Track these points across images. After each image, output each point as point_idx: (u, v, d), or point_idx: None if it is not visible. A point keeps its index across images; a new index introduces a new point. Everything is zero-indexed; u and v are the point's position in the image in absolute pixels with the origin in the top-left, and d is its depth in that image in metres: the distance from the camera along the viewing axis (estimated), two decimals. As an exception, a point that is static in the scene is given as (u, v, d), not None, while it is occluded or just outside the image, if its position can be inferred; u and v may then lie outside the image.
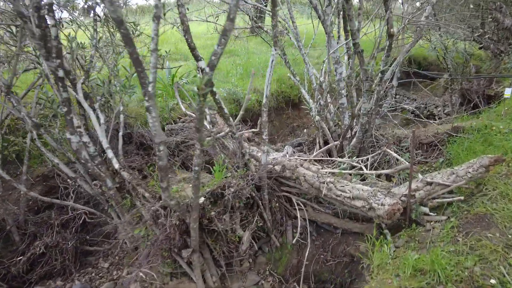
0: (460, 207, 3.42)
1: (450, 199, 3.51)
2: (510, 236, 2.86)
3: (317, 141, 5.91)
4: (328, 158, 5.02)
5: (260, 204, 4.37)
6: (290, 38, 6.34)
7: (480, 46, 6.03)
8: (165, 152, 2.84)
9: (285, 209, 4.51)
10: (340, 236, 4.46)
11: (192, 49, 3.79)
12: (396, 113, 8.26)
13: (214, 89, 3.36)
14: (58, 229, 4.53)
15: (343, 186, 3.79)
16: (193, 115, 5.97)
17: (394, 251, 3.25)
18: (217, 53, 2.20)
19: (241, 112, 3.90)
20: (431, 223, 3.43)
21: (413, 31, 5.71)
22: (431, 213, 3.50)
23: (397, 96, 11.03)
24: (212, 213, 3.48)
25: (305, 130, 6.73)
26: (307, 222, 4.46)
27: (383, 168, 5.09)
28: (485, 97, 8.45)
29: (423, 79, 10.32)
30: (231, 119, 4.06)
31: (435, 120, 8.71)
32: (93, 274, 4.97)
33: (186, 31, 3.74)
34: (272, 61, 3.91)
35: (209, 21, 7.54)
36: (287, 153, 5.57)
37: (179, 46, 11.71)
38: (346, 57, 5.58)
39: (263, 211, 4.42)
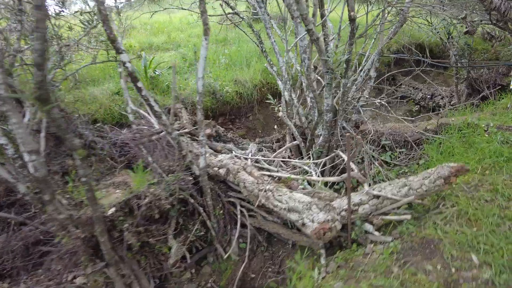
0: (409, 227, 2.86)
1: (396, 217, 2.96)
2: (453, 270, 2.30)
3: (286, 139, 5.40)
4: (287, 159, 4.52)
5: (202, 211, 3.98)
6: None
7: (466, 30, 5.21)
8: (39, 162, 2.49)
9: (231, 216, 4.09)
10: (291, 248, 4.01)
11: (112, 41, 3.38)
12: (390, 106, 7.54)
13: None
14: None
15: (281, 196, 3.32)
16: (146, 113, 5.60)
17: (323, 278, 2.76)
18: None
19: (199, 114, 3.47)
20: (374, 245, 2.91)
21: (396, 15, 5.00)
22: (375, 233, 2.97)
23: (402, 86, 10.18)
24: (126, 225, 3.11)
25: (275, 127, 6.21)
26: (254, 230, 4.03)
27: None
28: (496, 87, 7.53)
29: (432, 67, 9.44)
30: (164, 117, 3.65)
31: (441, 111, 7.93)
32: (42, 277, 4.81)
33: (104, 21, 3.33)
34: (203, 53, 3.45)
35: (184, 9, 7.08)
36: (250, 152, 5.12)
37: (173, 35, 11.35)
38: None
39: (206, 219, 4.03)
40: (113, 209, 3.05)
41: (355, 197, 3.06)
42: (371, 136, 5.40)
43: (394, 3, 4.66)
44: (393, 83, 10.30)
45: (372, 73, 5.04)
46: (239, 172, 3.76)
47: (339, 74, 4.25)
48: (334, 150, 4.83)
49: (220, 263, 4.15)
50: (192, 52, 9.43)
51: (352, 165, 3.44)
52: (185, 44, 10.29)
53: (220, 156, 4.15)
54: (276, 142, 5.81)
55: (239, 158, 4.19)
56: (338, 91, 4.94)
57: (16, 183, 3.41)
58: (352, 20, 3.73)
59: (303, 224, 2.97)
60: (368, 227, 2.99)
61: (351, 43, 3.95)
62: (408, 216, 2.86)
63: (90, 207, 2.75)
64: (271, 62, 6.00)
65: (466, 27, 5.04)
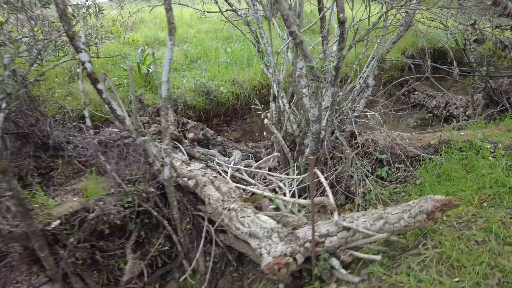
0: (379, 269, 2.46)
1: (366, 255, 2.56)
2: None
3: (275, 147, 5.02)
4: (265, 173, 4.15)
5: (167, 224, 3.69)
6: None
7: (474, 38, 4.64)
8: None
9: (199, 231, 3.78)
10: (261, 271, 3.66)
11: (71, 38, 3.11)
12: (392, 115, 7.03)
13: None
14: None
15: (244, 218, 2.97)
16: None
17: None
18: None
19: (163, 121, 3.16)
20: (338, 285, 2.52)
21: (400, 18, 4.51)
22: (342, 270, 2.58)
23: (416, 93, 9.57)
24: (71, 239, 2.85)
25: (265, 133, 5.83)
26: (224, 248, 3.71)
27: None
28: (517, 99, 6.87)
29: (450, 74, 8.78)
30: (127, 121, 3.36)
31: (454, 122, 7.34)
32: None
33: (61, 16, 3.06)
34: (168, 55, 3.13)
35: (182, 4, 6.77)
36: (233, 160, 4.79)
37: (181, 30, 11.13)
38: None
39: (172, 233, 3.73)
40: (57, 222, 2.80)
41: (322, 227, 2.67)
42: (367, 149, 4.97)
43: (397, 4, 4.18)
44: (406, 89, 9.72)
45: (371, 81, 4.58)
46: (206, 186, 3.43)
47: (328, 81, 3.83)
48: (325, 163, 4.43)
49: (186, 280, 3.86)
50: (195, 48, 9.17)
51: (327, 187, 3.04)
52: (191, 40, 10.03)
53: (192, 166, 3.84)
54: (265, 150, 5.44)
55: (217, 167, 3.86)
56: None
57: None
58: (341, 22, 3.31)
59: (260, 255, 2.62)
60: (335, 262, 2.60)
61: (340, 48, 3.53)
62: (378, 257, 2.45)
63: (23, 221, 2.49)
64: (268, 64, 5.62)
65: (475, 35, 4.48)
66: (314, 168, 2.47)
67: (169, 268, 3.77)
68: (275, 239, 2.62)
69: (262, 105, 5.01)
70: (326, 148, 4.29)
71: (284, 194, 3.54)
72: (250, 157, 5.40)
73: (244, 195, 3.73)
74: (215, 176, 3.61)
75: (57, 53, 4.79)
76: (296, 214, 3.08)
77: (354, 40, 4.41)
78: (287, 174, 4.73)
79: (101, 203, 3.02)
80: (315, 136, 4.27)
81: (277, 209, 3.26)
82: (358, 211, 4.16)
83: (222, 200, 3.21)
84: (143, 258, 3.51)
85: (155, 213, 3.55)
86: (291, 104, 4.96)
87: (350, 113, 4.68)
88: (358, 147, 4.76)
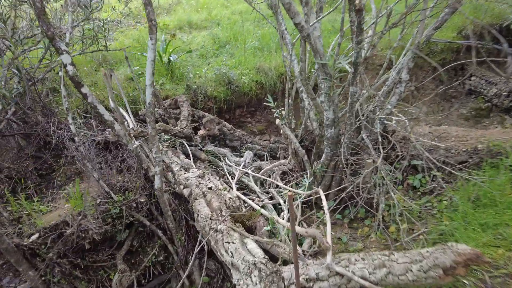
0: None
1: (358, 313, 2.08)
2: None
3: (290, 148, 4.55)
4: (274, 181, 3.73)
5: (161, 234, 3.49)
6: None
7: None
8: None
9: (195, 243, 3.52)
10: (259, 292, 3.33)
11: (51, 39, 2.88)
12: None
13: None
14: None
15: (229, 243, 2.62)
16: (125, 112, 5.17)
17: None
18: None
19: (149, 128, 2.88)
20: None
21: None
22: (331, 323, 2.14)
23: (472, 78, 8.28)
24: (50, 254, 2.74)
25: (281, 131, 5.32)
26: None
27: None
28: None
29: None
30: (116, 126, 3.13)
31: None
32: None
33: (39, 16, 2.83)
34: (150, 56, 2.78)
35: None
36: (244, 161, 4.43)
37: (215, 12, 10.72)
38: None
39: (168, 243, 3.53)
40: (35, 236, 2.69)
41: (312, 269, 2.23)
42: (400, 152, 4.29)
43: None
44: (461, 74, 8.48)
45: (404, 76, 3.84)
46: (197, 199, 3.12)
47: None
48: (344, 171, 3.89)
49: (186, 290, 3.68)
50: (225, 32, 8.74)
51: (328, 221, 2.56)
52: (224, 22, 9.60)
53: (190, 172, 3.54)
54: (283, 150, 4.99)
55: (226, 167, 3.53)
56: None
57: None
58: (358, 11, 2.69)
59: (238, 294, 2.28)
60: (324, 313, 2.17)
61: (358, 42, 2.90)
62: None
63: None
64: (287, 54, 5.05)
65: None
66: (296, 203, 2.02)
67: (164, 279, 3.59)
68: (254, 279, 2.25)
69: (275, 103, 4.51)
70: (344, 154, 3.72)
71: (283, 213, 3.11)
72: (266, 156, 4.98)
73: (244, 207, 3.38)
74: (210, 188, 3.28)
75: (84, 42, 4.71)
76: (289, 244, 2.65)
77: (386, 27, 3.71)
78: (302, 177, 4.26)
79: (80, 218, 2.85)
80: (330, 141, 3.72)
81: (271, 231, 2.86)
82: (378, 228, 3.61)
83: (210, 219, 2.89)
84: (136, 269, 3.36)
85: (148, 223, 3.34)
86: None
87: (378, 112, 4.01)
88: (391, 148, 4.10)
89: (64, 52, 2.88)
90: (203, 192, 3.19)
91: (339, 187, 3.96)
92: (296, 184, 4.39)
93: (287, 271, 2.31)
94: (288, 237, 2.73)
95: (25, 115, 3.60)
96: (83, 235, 2.77)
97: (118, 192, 3.22)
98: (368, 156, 4.07)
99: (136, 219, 3.28)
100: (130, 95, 5.97)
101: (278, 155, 5.08)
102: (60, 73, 3.21)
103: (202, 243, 3.00)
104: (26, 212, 3.07)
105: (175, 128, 4.28)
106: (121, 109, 4.29)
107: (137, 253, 3.46)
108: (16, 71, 3.66)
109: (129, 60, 7.28)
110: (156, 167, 3.15)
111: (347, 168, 3.89)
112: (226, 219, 2.86)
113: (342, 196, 3.76)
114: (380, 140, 3.85)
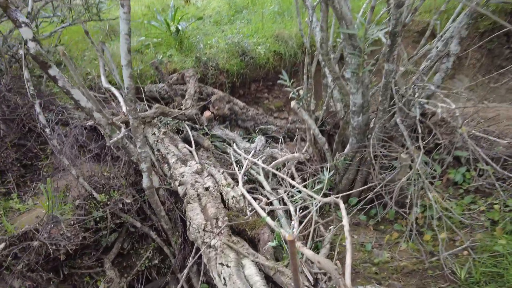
0: None
1: None
2: None
3: (308, 135, 3.91)
4: (285, 178, 3.16)
5: (155, 236, 3.07)
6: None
7: None
8: None
9: (192, 245, 3.08)
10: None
11: (4, 8, 2.33)
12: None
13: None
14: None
15: (222, 265, 2.13)
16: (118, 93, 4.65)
17: None
18: None
19: (131, 119, 2.35)
20: None
21: None
22: None
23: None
24: (20, 266, 2.37)
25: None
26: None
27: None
28: None
29: None
30: (95, 114, 2.63)
31: None
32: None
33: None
34: (123, 29, 2.19)
35: None
36: (255, 148, 3.87)
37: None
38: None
39: (163, 245, 3.12)
40: (1, 246, 2.31)
41: None
42: (441, 140, 3.55)
43: None
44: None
45: (453, 47, 3.02)
46: (190, 203, 2.62)
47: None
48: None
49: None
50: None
51: (348, 259, 1.97)
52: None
53: (186, 167, 3.03)
54: (299, 133, 4.36)
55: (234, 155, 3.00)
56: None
57: None
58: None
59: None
60: None
61: (398, 4, 2.15)
62: None
63: None
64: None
65: None
66: (297, 247, 1.46)
67: (161, 283, 3.22)
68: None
69: (296, 77, 3.83)
70: (373, 146, 3.06)
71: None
72: (281, 140, 4.38)
73: (248, 209, 2.86)
74: (207, 188, 2.76)
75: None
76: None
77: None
78: (321, 170, 3.67)
79: (50, 226, 2.44)
80: (357, 131, 3.06)
81: (277, 248, 2.34)
82: (410, 235, 2.99)
83: (204, 230, 2.39)
84: (128, 273, 2.99)
85: (139, 225, 2.91)
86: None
87: (417, 93, 3.26)
88: (428, 134, 3.39)
89: (23, 25, 2.34)
90: (198, 194, 2.68)
91: (366, 185, 3.33)
92: (314, 175, 3.80)
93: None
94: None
95: (4, 98, 3.16)
96: (53, 247, 2.37)
97: (102, 191, 2.78)
98: (401, 147, 3.39)
99: (125, 220, 2.84)
100: (135, 69, 5.46)
101: (295, 140, 4.46)
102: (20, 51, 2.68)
103: (199, 253, 2.53)
104: (1, 212, 2.70)
105: (175, 111, 3.74)
106: (113, 89, 3.78)
107: (129, 256, 3.08)
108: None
109: (137, 30, 6.73)
110: (143, 164, 2.66)
111: (376, 162, 3.24)
112: (223, 231, 2.35)
113: (369, 196, 3.13)
114: (419, 126, 3.14)
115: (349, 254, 1.86)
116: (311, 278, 2.16)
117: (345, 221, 2.09)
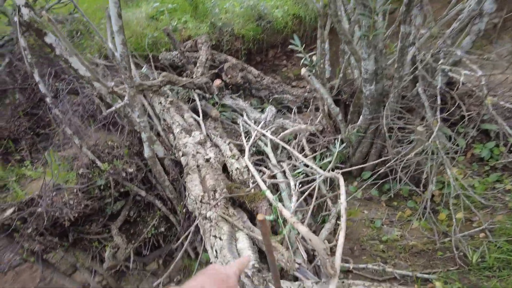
0: None
1: None
2: None
3: (321, 105, 3.70)
4: (291, 150, 3.03)
5: (160, 204, 3.11)
6: None
7: None
8: None
9: (198, 217, 3.09)
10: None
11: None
12: None
13: None
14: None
15: (215, 237, 2.10)
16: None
17: None
18: None
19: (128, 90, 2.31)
20: None
21: None
22: None
23: None
24: (29, 229, 2.48)
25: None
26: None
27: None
28: None
29: None
30: (96, 84, 2.60)
31: None
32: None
33: None
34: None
35: None
36: (264, 119, 3.75)
37: None
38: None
39: (168, 214, 3.16)
40: (9, 211, 2.42)
41: None
42: (468, 112, 3.23)
43: None
44: None
45: (488, 5, 2.63)
46: (189, 174, 2.58)
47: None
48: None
49: (192, 260, 3.39)
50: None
51: (340, 246, 1.84)
52: None
53: (189, 137, 2.97)
54: (314, 102, 4.15)
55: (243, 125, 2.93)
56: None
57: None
58: None
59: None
60: None
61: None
62: None
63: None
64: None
65: None
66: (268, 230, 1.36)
67: (167, 250, 3.29)
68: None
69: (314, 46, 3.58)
70: (387, 118, 2.83)
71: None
72: (294, 111, 4.20)
73: (250, 181, 2.79)
74: (207, 160, 2.69)
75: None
76: (289, 249, 2.03)
77: None
78: (334, 142, 3.48)
79: (54, 193, 2.50)
80: (369, 101, 2.83)
81: (276, 222, 2.27)
82: (423, 213, 2.81)
83: (201, 201, 2.35)
84: (136, 239, 3.08)
85: (144, 194, 2.94)
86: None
87: (442, 60, 2.93)
88: (454, 106, 3.09)
89: (16, -10, 2.28)
90: (197, 166, 2.63)
91: (380, 159, 3.13)
92: (327, 148, 3.62)
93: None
94: (290, 239, 2.12)
95: (15, 67, 3.21)
96: (56, 214, 2.44)
97: (106, 160, 2.80)
98: (420, 119, 3.12)
99: (129, 188, 2.88)
100: (150, 37, 5.36)
101: (309, 110, 4.26)
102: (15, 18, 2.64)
103: (195, 223, 2.52)
104: (14, 178, 2.82)
105: (183, 79, 3.63)
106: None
107: (136, 223, 3.15)
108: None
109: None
110: (143, 134, 2.62)
111: (391, 134, 3.01)
112: (219, 203, 2.30)
113: (382, 170, 2.94)
114: (439, 97, 2.84)
115: (342, 234, 1.74)
116: (305, 255, 2.09)
117: (343, 198, 1.96)
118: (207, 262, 2.95)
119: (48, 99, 2.73)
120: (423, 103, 3.02)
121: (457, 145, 3.20)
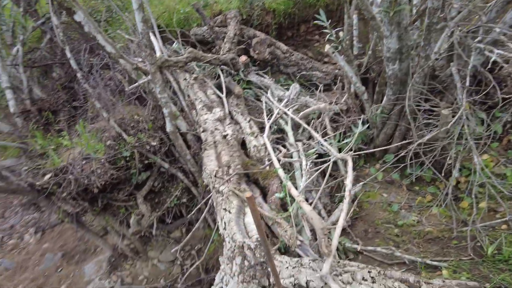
0: None
1: None
2: None
3: (346, 83, 3.59)
4: (311, 130, 3.01)
5: (183, 177, 3.28)
6: None
7: None
8: None
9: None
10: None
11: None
12: None
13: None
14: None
15: (225, 210, 2.21)
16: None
17: None
18: None
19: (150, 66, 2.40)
20: None
21: None
22: None
23: None
24: (64, 193, 2.75)
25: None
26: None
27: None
28: None
29: None
30: (121, 61, 2.74)
31: None
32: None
33: None
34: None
35: None
36: (288, 96, 3.74)
37: None
38: None
39: (191, 186, 3.33)
40: (47, 177, 2.69)
41: (302, 274, 1.68)
42: (508, 95, 2.98)
43: None
44: None
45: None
46: (206, 149, 2.68)
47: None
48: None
49: (212, 230, 3.58)
50: None
51: (339, 227, 1.84)
52: None
53: (210, 113, 3.05)
54: (341, 80, 4.03)
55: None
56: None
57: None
58: None
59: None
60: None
61: None
62: None
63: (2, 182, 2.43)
64: None
65: None
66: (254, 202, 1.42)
67: (189, 219, 3.50)
68: (234, 267, 1.83)
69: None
70: (409, 99, 2.69)
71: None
72: (320, 88, 4.12)
73: (266, 159, 2.85)
74: (225, 136, 2.77)
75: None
76: (292, 227, 2.07)
77: None
78: (356, 124, 3.40)
79: (84, 162, 2.72)
80: (392, 81, 2.70)
81: (284, 200, 2.32)
82: (444, 199, 2.70)
83: (215, 176, 2.46)
84: (160, 208, 3.30)
85: (167, 166, 3.12)
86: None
87: (479, 37, 2.70)
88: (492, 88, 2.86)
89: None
90: (214, 142, 2.72)
91: (403, 141, 3.02)
92: (350, 128, 3.55)
93: (277, 265, 1.82)
94: (296, 217, 2.17)
95: (54, 43, 3.44)
96: (85, 181, 2.68)
97: (131, 133, 2.98)
98: (451, 102, 2.93)
99: (152, 160, 3.06)
100: (182, 12, 5.42)
101: (336, 87, 4.15)
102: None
103: (209, 196, 2.65)
104: (53, 147, 3.10)
105: (209, 55, 3.68)
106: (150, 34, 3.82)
107: (160, 193, 3.36)
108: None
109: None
110: (164, 109, 2.74)
111: (416, 116, 2.87)
112: (232, 179, 2.39)
113: (403, 154, 2.85)
114: (468, 78, 2.63)
115: (343, 216, 1.76)
116: (309, 234, 2.13)
117: (349, 180, 1.96)
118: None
119: (79, 74, 2.93)
120: (456, 84, 2.82)
121: (491, 131, 2.99)
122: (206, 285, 3.26)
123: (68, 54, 2.82)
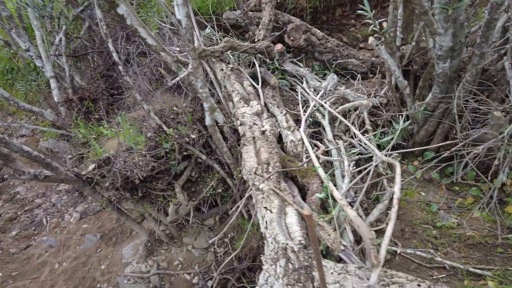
0: None
1: None
2: None
3: (387, 76, 3.46)
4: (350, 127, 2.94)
5: (219, 168, 3.33)
6: None
7: None
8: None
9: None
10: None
11: None
12: None
13: None
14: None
15: (266, 209, 2.24)
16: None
17: None
18: None
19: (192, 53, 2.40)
20: None
21: None
22: None
23: None
24: (107, 183, 2.86)
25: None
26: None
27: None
28: None
29: None
30: (162, 54, 2.74)
31: None
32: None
33: None
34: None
35: None
36: (325, 88, 3.67)
37: None
38: None
39: (226, 177, 3.39)
40: (91, 167, 2.80)
41: (348, 282, 1.70)
42: None
43: None
44: None
45: None
46: (246, 145, 2.69)
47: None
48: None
49: (245, 220, 3.66)
50: None
51: (387, 235, 1.81)
52: None
53: (247, 107, 3.04)
54: (381, 69, 3.89)
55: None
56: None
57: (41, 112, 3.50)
58: None
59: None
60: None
61: None
62: None
63: (52, 172, 2.56)
64: None
65: None
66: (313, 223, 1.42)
67: (224, 209, 3.58)
68: (279, 269, 1.88)
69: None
70: (458, 99, 2.57)
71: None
72: (358, 78, 4.01)
73: (304, 155, 2.84)
74: (263, 132, 2.76)
75: None
76: (336, 230, 2.07)
77: None
78: (398, 118, 3.31)
79: (127, 154, 2.80)
80: (441, 79, 2.58)
81: (326, 201, 2.32)
82: (488, 203, 2.62)
83: (255, 173, 2.47)
84: (196, 197, 3.38)
85: (204, 157, 3.17)
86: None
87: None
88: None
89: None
90: (253, 138, 2.72)
91: (446, 140, 2.92)
92: (390, 123, 3.45)
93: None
94: (338, 219, 2.17)
95: (93, 31, 3.47)
96: (127, 173, 2.77)
97: (171, 125, 3.03)
98: (499, 101, 2.78)
99: (190, 152, 3.11)
100: (216, -3, 5.32)
101: (375, 77, 4.01)
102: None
103: (249, 192, 2.68)
104: (94, 136, 3.20)
105: (245, 44, 3.62)
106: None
107: (197, 183, 3.44)
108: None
109: None
110: (205, 104, 2.75)
111: (462, 115, 2.75)
112: (272, 177, 2.41)
113: (446, 154, 2.75)
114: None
115: (391, 225, 1.74)
116: (352, 237, 2.13)
117: (397, 188, 1.91)
118: (258, 225, 3.17)
119: (120, 67, 2.96)
120: (508, 80, 2.66)
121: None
122: (238, 273, 3.37)
123: (111, 47, 2.85)
